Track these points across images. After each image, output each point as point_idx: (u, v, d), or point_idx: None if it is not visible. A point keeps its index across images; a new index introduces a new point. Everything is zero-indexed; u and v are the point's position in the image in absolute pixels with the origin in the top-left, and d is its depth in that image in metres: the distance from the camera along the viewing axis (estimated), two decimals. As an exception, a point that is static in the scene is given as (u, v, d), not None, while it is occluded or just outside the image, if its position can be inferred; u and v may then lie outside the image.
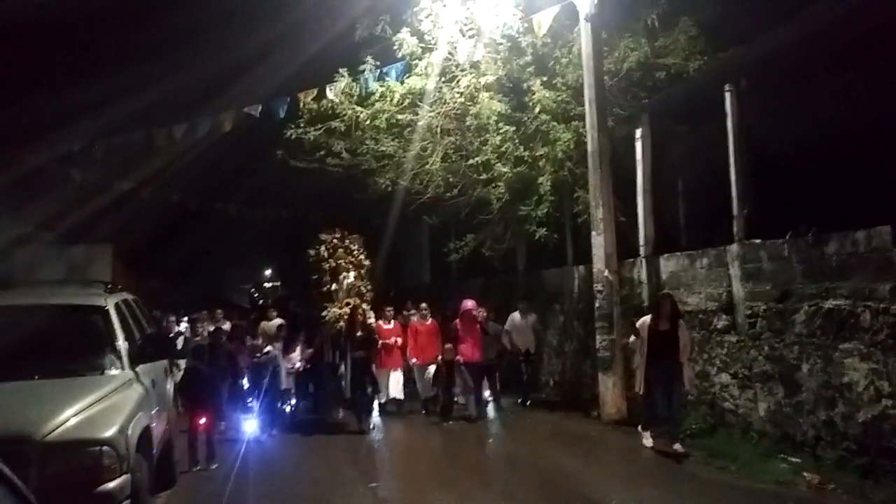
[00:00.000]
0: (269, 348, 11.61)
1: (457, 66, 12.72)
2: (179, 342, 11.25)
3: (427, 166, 13.40)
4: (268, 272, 41.10)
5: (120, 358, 6.16)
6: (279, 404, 11.63)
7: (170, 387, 7.85)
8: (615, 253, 11.24)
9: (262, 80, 14.51)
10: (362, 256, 13.35)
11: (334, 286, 12.93)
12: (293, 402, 12.29)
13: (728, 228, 9.72)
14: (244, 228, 24.96)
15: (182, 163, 16.09)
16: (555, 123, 12.23)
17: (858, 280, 7.62)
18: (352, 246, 13.25)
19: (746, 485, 7.66)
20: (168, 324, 13.10)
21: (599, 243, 11.21)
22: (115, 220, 16.50)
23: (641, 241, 11.53)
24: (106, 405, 5.31)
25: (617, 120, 11.82)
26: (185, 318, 13.38)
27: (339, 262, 13.01)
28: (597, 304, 11.28)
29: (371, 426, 11.47)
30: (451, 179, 13.55)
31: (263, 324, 13.33)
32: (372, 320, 12.58)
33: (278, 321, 12.98)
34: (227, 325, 13.23)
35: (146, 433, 5.64)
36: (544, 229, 12.95)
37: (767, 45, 9.61)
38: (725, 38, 11.02)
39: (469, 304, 12.37)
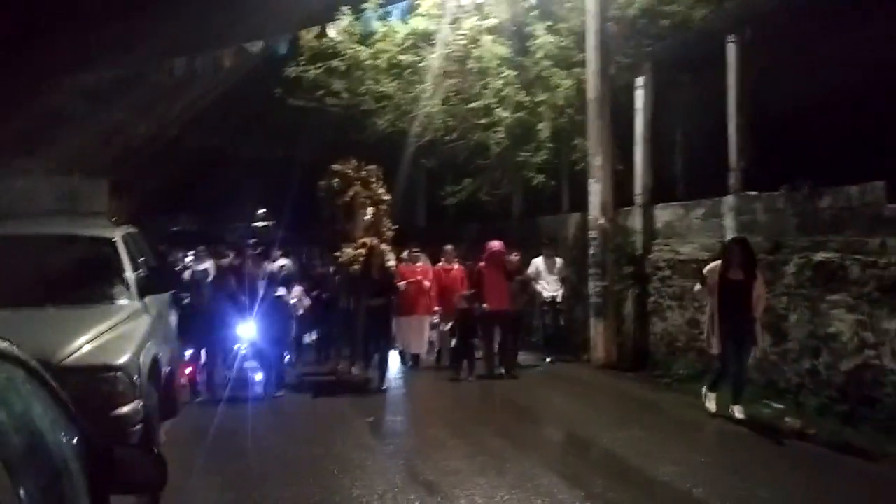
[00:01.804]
0: (281, 291, 10.31)
1: (460, 7, 12.64)
2: (186, 275, 11.08)
3: (427, 109, 13.40)
4: (261, 211, 41.00)
5: (129, 288, 6.30)
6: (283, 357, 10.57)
7: (174, 319, 8.01)
8: (611, 201, 11.37)
9: (263, 16, 14.35)
10: (381, 190, 11.88)
11: (349, 224, 11.57)
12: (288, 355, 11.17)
13: (724, 180, 9.84)
14: (240, 166, 24.93)
15: (180, 99, 16.02)
16: (556, 69, 12.25)
17: (850, 234, 7.80)
18: (370, 178, 11.82)
19: (732, 428, 7.91)
20: (174, 258, 12.90)
21: (596, 191, 11.33)
22: (111, 154, 16.48)
23: (638, 190, 11.64)
24: (118, 333, 5.47)
25: (619, 68, 11.81)
26: (190, 254, 13.16)
27: (355, 196, 11.58)
28: (591, 252, 11.45)
29: (384, 383, 10.16)
30: (450, 123, 13.58)
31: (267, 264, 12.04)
32: (392, 262, 11.24)
33: (282, 261, 11.99)
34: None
35: (155, 362, 5.81)
36: (542, 176, 13.06)
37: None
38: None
39: (496, 245, 10.99)
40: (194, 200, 25.18)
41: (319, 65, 13.29)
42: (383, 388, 10.02)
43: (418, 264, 11.73)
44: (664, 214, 11.11)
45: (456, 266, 11.79)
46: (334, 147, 14.63)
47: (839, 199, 7.99)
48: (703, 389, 8.42)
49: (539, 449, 7.45)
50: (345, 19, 12.88)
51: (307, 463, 6.83)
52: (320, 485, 6.21)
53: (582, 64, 11.68)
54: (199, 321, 9.37)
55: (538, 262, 12.08)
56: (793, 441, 7.35)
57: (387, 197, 11.94)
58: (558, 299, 12.06)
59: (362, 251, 10.93)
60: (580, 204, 12.58)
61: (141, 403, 5.14)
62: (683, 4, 11.51)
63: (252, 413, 8.86)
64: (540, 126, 12.42)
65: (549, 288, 12.00)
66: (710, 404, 8.25)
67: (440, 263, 11.88)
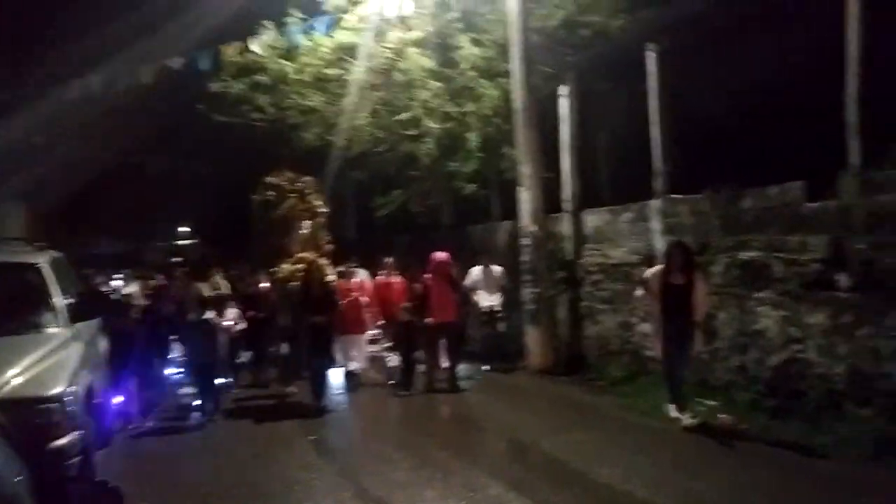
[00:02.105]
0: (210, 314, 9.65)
1: (385, 20, 12.65)
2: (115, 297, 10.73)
3: (355, 121, 13.37)
4: (185, 229, 40.13)
5: (58, 315, 6.10)
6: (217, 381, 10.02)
7: (104, 345, 7.78)
8: (541, 208, 11.52)
9: (183, 32, 14.08)
10: (318, 202, 11.48)
11: (285, 239, 11.13)
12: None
13: (650, 185, 10.10)
14: (164, 184, 24.36)
15: (99, 117, 15.56)
16: (482, 80, 12.38)
17: (771, 233, 8.10)
18: (306, 190, 11.40)
19: (667, 427, 8.11)
20: (100, 282, 12.47)
21: (526, 199, 11.47)
22: (27, 176, 15.90)
23: (567, 196, 11.84)
24: (50, 363, 5.29)
25: (543, 77, 12.01)
26: (117, 276, 12.72)
27: (290, 209, 11.17)
28: (523, 259, 11.58)
29: (325, 402, 9.80)
30: (378, 135, 13.59)
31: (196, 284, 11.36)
32: (332, 277, 10.65)
33: (215, 280, 11.22)
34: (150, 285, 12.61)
35: (90, 391, 5.64)
36: (472, 185, 13.18)
37: (688, 6, 9.93)
38: (647, -3, 11.34)
39: (441, 255, 10.79)
40: (117, 221, 24.46)
41: (243, 80, 13.14)
42: (324, 406, 9.68)
43: (354, 280, 11.34)
44: (593, 220, 11.34)
45: (397, 279, 11.49)
46: (261, 162, 14.44)
47: (760, 200, 8.30)
48: (670, 408, 8.19)
49: (483, 458, 7.49)
50: (267, 34, 12.75)
51: (249, 486, 6.72)
52: (265, 508, 6.12)
53: (507, 74, 11.83)
54: (129, 346, 9.10)
55: (476, 272, 11.97)
56: (727, 437, 7.58)
57: (324, 209, 11.55)
58: (496, 308, 11.92)
59: (300, 267, 10.51)
60: (510, 212, 12.72)
61: (78, 434, 4.97)
62: (602, 15, 11.81)
63: (188, 439, 8.65)
64: (468, 136, 12.53)
65: (488, 298, 11.88)
66: (687, 420, 7.93)
67: (380, 276, 11.63)
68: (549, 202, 11.75)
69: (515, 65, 11.35)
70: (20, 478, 2.20)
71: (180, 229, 39.68)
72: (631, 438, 7.77)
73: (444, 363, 10.79)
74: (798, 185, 7.83)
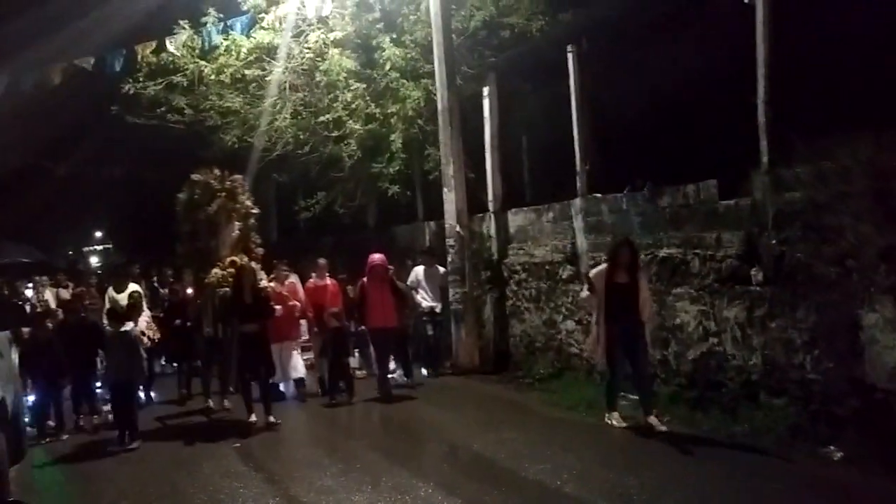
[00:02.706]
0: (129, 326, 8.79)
1: (305, 20, 12.53)
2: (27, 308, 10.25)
3: (276, 123, 13.20)
4: (98, 234, 38.86)
5: (-35, 329, 5.82)
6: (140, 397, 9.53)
7: (15, 357, 7.45)
8: (466, 208, 11.60)
9: (95, 31, 13.62)
10: (249, 202, 10.74)
11: (213, 241, 10.32)
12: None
13: (572, 184, 10.27)
14: (76, 189, 23.50)
15: (4, 118, 14.90)
16: (405, 81, 12.39)
17: (688, 229, 8.33)
18: (235, 188, 10.59)
19: (594, 422, 8.26)
20: (17, 290, 11.89)
21: (451, 199, 11.53)
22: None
23: (490, 196, 11.94)
24: (-42, 378, 5.04)
25: (465, 78, 12.11)
26: (30, 285, 12.15)
27: (219, 209, 10.30)
28: (449, 259, 11.64)
29: (270, 416, 9.02)
30: (301, 136, 13.45)
31: (111, 292, 10.76)
32: (264, 282, 10.08)
33: (132, 288, 10.75)
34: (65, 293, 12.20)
35: (2, 405, 5.40)
36: (396, 186, 13.16)
37: (606, 9, 10.15)
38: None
39: (377, 258, 10.36)
40: (24, 227, 23.48)
41: (159, 80, 12.80)
42: (273, 421, 8.92)
43: (287, 282, 10.73)
44: (517, 219, 11.46)
45: (329, 281, 11.00)
46: (179, 164, 14.07)
47: (677, 198, 8.52)
48: (606, 416, 8.03)
49: (412, 459, 7.46)
50: (184, 34, 12.45)
51: (171, 497, 6.55)
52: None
53: (430, 75, 11.88)
54: (41, 357, 8.72)
55: (418, 271, 11.68)
56: (650, 430, 7.76)
57: (255, 210, 10.87)
58: (437, 309, 11.62)
59: (230, 271, 9.80)
60: (435, 212, 12.75)
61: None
62: (521, 17, 11.97)
63: (108, 452, 8.35)
64: (392, 137, 12.52)
65: (430, 299, 11.57)
66: (615, 421, 7.93)
67: (311, 279, 11.06)
68: (474, 202, 11.85)
69: (438, 66, 11.41)
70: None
71: (96, 234, 38.46)
72: (558, 435, 7.86)
73: (375, 369, 10.64)
74: (713, 183, 8.07)
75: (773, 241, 7.31)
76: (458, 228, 11.46)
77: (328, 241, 16.54)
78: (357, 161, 13.19)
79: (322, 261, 11.23)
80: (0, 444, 5.13)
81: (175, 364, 11.43)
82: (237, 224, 10.47)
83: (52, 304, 10.30)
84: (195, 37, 12.49)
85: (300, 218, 15.35)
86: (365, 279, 10.21)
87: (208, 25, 12.36)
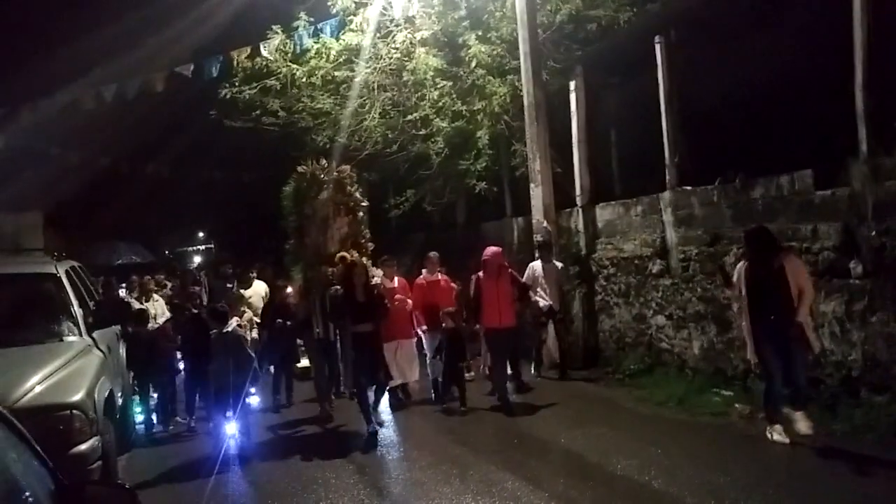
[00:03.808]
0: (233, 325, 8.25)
1: (392, 21, 12.72)
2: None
3: (365, 123, 13.46)
4: (200, 234, 40.43)
5: (77, 324, 6.22)
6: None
7: (122, 352, 7.88)
8: (553, 203, 11.56)
9: (193, 39, 14.21)
10: (357, 195, 10.03)
11: (321, 237, 9.65)
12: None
13: (660, 177, 10.10)
14: (178, 191, 24.56)
15: (113, 125, 15.73)
16: (491, 77, 12.43)
17: (783, 221, 8.08)
18: (343, 180, 9.92)
19: (684, 418, 8.16)
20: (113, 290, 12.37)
21: (538, 195, 11.51)
22: (43, 186, 16.13)
23: (578, 191, 11.86)
24: (70, 371, 5.40)
25: (551, 73, 12.06)
26: (123, 285, 12.66)
27: (327, 202, 9.67)
28: (536, 255, 11.62)
29: (376, 426, 8.38)
30: (389, 135, 13.67)
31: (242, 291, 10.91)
32: (377, 279, 9.31)
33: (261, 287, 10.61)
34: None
35: (111, 397, 5.74)
36: (484, 183, 13.22)
37: (694, -2, 9.96)
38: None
39: (492, 250, 9.49)
40: (135, 229, 24.71)
41: (254, 85, 13.24)
42: (375, 430, 8.25)
43: (397, 279, 9.96)
44: (605, 213, 11.35)
45: (441, 276, 10.16)
46: (274, 166, 14.53)
47: (770, 189, 8.28)
48: (767, 429, 7.13)
49: (499, 453, 7.48)
50: (276, 38, 12.84)
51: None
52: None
53: (516, 71, 11.88)
54: (147, 354, 9.06)
55: (536, 267, 10.82)
56: (744, 426, 7.59)
57: (364, 203, 10.18)
58: (556, 308, 10.76)
59: (339, 268, 9.13)
60: (523, 208, 12.75)
61: (98, 440, 5.07)
62: (608, 9, 11.83)
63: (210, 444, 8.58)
64: (478, 134, 12.59)
65: (546, 297, 10.69)
66: (778, 435, 6.99)
67: (423, 275, 10.17)
68: (561, 197, 11.79)
69: (524, 61, 11.40)
70: (45, 483, 2.27)
71: (199, 234, 40.01)
72: (648, 430, 7.78)
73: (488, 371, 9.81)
74: (808, 174, 7.81)
75: (873, 233, 7.04)
76: (545, 224, 11.42)
77: (418, 238, 16.77)
78: (444, 158, 13.32)
79: (433, 254, 10.35)
80: (109, 434, 5.45)
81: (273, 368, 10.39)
82: (346, 218, 9.82)
83: (157, 310, 10.51)
84: (287, 41, 12.85)
85: (390, 216, 15.58)
86: (480, 274, 9.39)
87: (300, 29, 12.70)
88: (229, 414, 7.67)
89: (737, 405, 8.17)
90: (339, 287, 8.81)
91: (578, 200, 11.85)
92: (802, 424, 6.78)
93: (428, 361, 9.95)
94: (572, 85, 11.90)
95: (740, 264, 7.39)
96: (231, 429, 7.73)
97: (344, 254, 9.39)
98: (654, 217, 10.27)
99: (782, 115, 8.69)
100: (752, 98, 9.03)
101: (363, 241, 9.90)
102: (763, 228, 7.30)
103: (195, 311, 9.18)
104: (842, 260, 7.35)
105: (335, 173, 9.93)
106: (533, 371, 10.97)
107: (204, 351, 8.06)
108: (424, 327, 9.84)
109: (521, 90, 11.68)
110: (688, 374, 9.53)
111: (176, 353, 9.36)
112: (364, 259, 9.46)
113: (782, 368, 6.90)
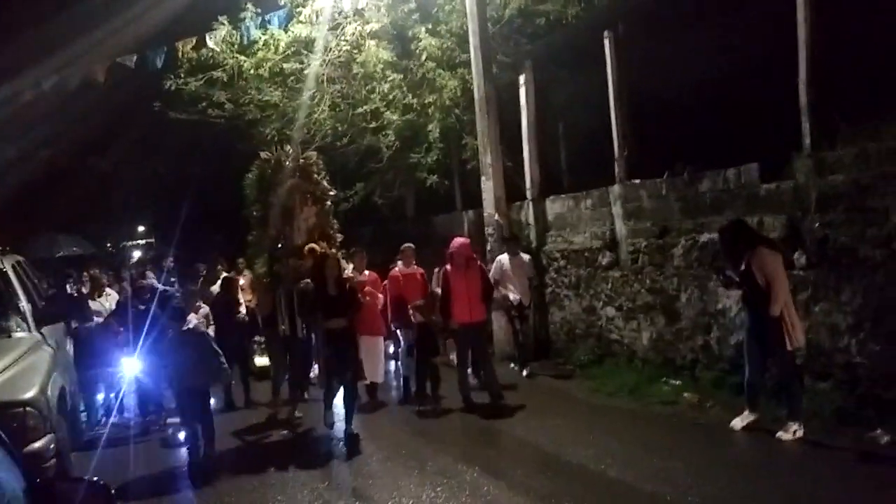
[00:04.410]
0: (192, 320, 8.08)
1: (341, 13, 12.61)
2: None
3: (314, 115, 13.33)
4: (141, 228, 39.54)
5: (25, 320, 6.05)
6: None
7: (70, 348, 7.68)
8: (504, 196, 11.64)
9: (136, 29, 13.87)
10: (325, 183, 9.48)
11: (286, 227, 9.11)
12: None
13: (610, 170, 10.26)
14: (120, 184, 23.99)
15: (53, 117, 15.27)
16: (441, 71, 12.43)
17: (730, 214, 8.25)
18: (310, 168, 9.34)
19: (636, 408, 8.32)
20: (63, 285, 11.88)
21: (489, 188, 11.57)
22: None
23: (528, 184, 11.96)
24: (21, 367, 5.27)
25: (501, 66, 12.11)
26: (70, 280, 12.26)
27: (292, 190, 9.11)
28: (488, 248, 11.68)
29: (352, 426, 8.00)
30: (339, 128, 13.56)
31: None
32: (349, 272, 8.98)
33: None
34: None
35: (63, 394, 5.61)
36: (434, 176, 13.24)
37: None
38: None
39: (459, 241, 9.10)
40: (77, 222, 24.04)
41: (199, 76, 13.01)
42: (352, 431, 7.93)
43: (365, 272, 9.48)
44: (555, 207, 11.47)
45: (417, 270, 9.68)
46: (221, 159, 14.30)
47: (718, 182, 8.48)
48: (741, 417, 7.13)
49: (456, 444, 7.56)
50: (222, 29, 12.62)
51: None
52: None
53: (466, 64, 11.91)
54: (94, 348, 8.82)
55: (503, 260, 10.43)
56: (694, 414, 7.78)
57: (332, 192, 9.70)
58: (525, 303, 10.50)
59: (309, 261, 8.68)
60: (473, 201, 12.81)
61: (53, 438, 4.95)
62: (557, 3, 11.92)
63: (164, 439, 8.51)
64: (429, 127, 12.60)
65: (516, 290, 10.36)
66: (737, 421, 7.12)
67: (397, 267, 9.70)
68: (512, 190, 11.88)
69: (474, 54, 11.44)
70: (16, 479, 2.22)
71: (139, 229, 39.12)
72: (601, 420, 7.93)
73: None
74: (754, 167, 8.01)
75: (817, 225, 7.26)
76: (496, 217, 11.50)
77: (367, 230, 16.70)
78: (395, 151, 13.30)
79: (409, 246, 9.86)
80: (62, 431, 5.33)
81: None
82: (313, 208, 9.25)
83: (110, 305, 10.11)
84: (234, 32, 12.65)
85: (339, 209, 15.47)
86: (448, 266, 8.93)
87: (246, 20, 12.51)
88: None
89: (686, 394, 8.37)
90: (308, 281, 8.36)
91: (529, 194, 11.95)
92: (788, 432, 6.71)
93: (401, 359, 9.73)
94: (522, 79, 11.99)
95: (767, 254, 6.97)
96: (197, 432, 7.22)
97: (314, 245, 8.89)
98: (603, 210, 10.42)
99: (730, 109, 8.89)
100: (700, 92, 9.21)
101: (331, 232, 9.37)
102: (737, 222, 7.30)
103: (143, 307, 8.72)
104: (786, 251, 7.56)
105: (301, 160, 9.40)
106: (513, 366, 10.66)
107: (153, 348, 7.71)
108: (398, 323, 9.52)
109: (471, 84, 11.72)
110: (637, 365, 9.71)
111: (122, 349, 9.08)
112: (334, 251, 8.95)
113: (759, 364, 7.04)
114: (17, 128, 15.95)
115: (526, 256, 10.75)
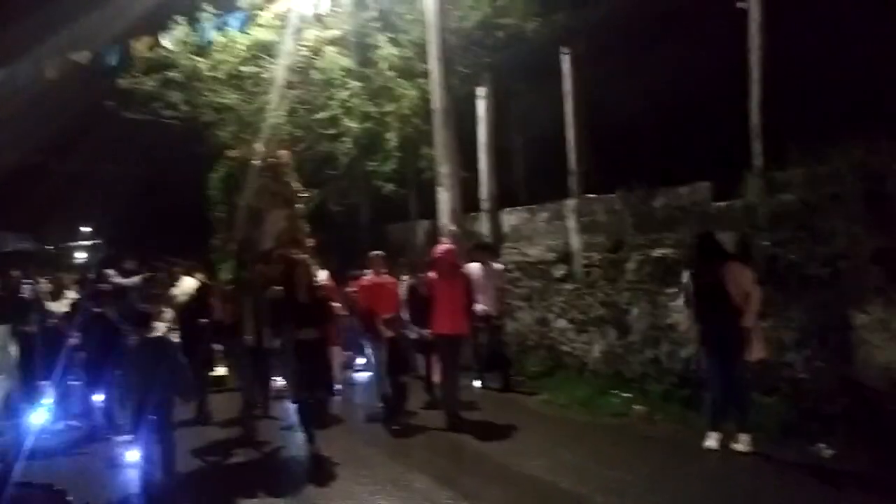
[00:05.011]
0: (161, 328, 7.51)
1: (301, 18, 12.54)
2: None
3: (272, 120, 13.19)
4: (86, 229, 38.62)
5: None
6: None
7: (13, 351, 7.44)
8: (460, 208, 11.66)
9: (90, 25, 13.59)
10: (296, 183, 8.86)
11: (255, 231, 8.46)
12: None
13: (566, 184, 10.38)
14: (67, 183, 23.41)
15: (2, 116, 14.85)
16: (401, 80, 12.44)
17: (682, 231, 8.45)
18: (281, 166, 8.69)
19: (585, 419, 8.41)
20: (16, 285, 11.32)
21: (445, 199, 11.58)
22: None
23: (484, 196, 12.04)
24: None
25: (461, 78, 12.14)
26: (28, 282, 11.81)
27: (261, 191, 8.48)
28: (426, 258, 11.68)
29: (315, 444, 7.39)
30: (297, 134, 13.45)
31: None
32: (321, 279, 8.41)
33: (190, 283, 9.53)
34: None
35: (7, 398, 5.45)
36: (391, 185, 13.22)
37: (601, 10, 10.25)
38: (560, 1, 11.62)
39: (444, 248, 8.64)
40: (21, 220, 23.37)
41: (154, 76, 12.80)
42: (318, 451, 7.35)
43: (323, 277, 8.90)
44: (511, 219, 11.56)
45: (388, 278, 9.19)
46: (176, 162, 14.05)
47: (671, 199, 8.66)
48: (713, 438, 6.99)
49: (405, 453, 7.53)
50: (179, 29, 12.46)
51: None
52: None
53: (425, 74, 11.92)
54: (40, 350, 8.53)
55: (473, 269, 9.74)
56: (644, 426, 7.89)
57: (304, 193, 9.11)
58: (494, 314, 9.94)
59: (277, 267, 8.11)
60: (429, 211, 12.82)
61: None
62: (516, 17, 12.02)
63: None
64: (387, 136, 12.59)
65: (484, 301, 9.70)
66: (711, 441, 6.95)
67: (367, 275, 9.20)
68: (468, 202, 11.91)
69: (433, 65, 11.45)
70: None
71: (82, 230, 38.21)
72: (553, 431, 7.97)
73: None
74: (706, 186, 8.21)
75: (766, 243, 7.45)
76: (451, 227, 11.52)
77: (320, 238, 16.54)
78: (352, 159, 13.25)
79: (377, 253, 9.35)
80: (7, 436, 5.18)
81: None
82: (283, 210, 8.58)
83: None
84: (191, 32, 12.48)
85: (293, 215, 15.35)
86: (431, 273, 8.44)
87: (204, 21, 12.36)
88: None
89: (635, 406, 8.47)
90: (279, 288, 7.78)
91: (484, 205, 12.01)
92: (742, 443, 6.78)
93: (379, 376, 8.94)
94: (481, 91, 12.07)
95: (686, 273, 7.17)
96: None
97: (282, 251, 8.28)
98: (558, 223, 10.54)
99: (683, 128, 9.09)
100: (655, 110, 9.42)
101: (302, 236, 8.70)
102: (708, 235, 7.15)
103: (98, 310, 8.02)
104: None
105: (270, 159, 8.71)
106: (474, 382, 10.09)
107: (107, 355, 6.86)
108: (366, 336, 9.06)
109: (430, 94, 11.74)
110: (588, 377, 9.81)
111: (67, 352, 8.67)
112: (305, 257, 8.20)
113: (723, 379, 6.87)
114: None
115: (499, 266, 10.36)
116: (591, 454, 7.06)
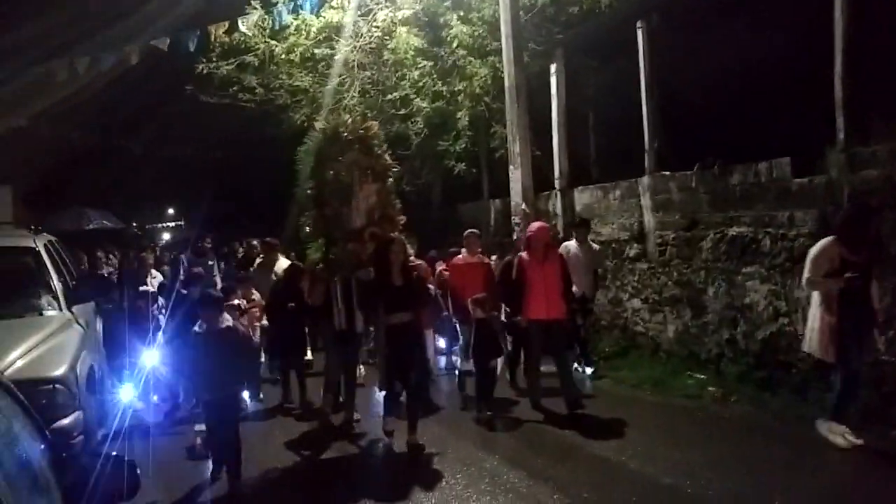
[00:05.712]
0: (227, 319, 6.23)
1: (373, -1, 12.65)
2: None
3: (344, 101, 13.36)
4: (170, 211, 39.92)
5: (56, 298, 6.17)
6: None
7: (100, 327, 7.79)
8: (532, 186, 11.59)
9: (169, 12, 13.97)
10: (387, 157, 8.05)
11: (344, 207, 7.66)
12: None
13: (639, 161, 10.19)
14: (150, 166, 24.25)
15: (85, 98, 15.46)
16: (472, 59, 12.41)
17: (760, 208, 8.20)
18: (370, 139, 7.89)
19: (658, 400, 8.29)
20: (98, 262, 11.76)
21: (517, 177, 11.52)
22: (12, 159, 15.81)
23: (556, 174, 11.93)
24: (51, 345, 5.37)
25: (533, 55, 12.05)
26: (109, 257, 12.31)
27: (351, 166, 7.68)
28: (515, 237, 11.64)
29: (415, 435, 7.00)
30: (368, 114, 13.56)
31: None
32: (417, 261, 8.06)
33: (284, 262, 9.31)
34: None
35: (91, 372, 5.71)
36: (462, 164, 13.22)
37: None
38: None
39: (539, 225, 8.22)
40: (105, 202, 24.36)
41: (231, 60, 13.10)
42: (416, 441, 6.94)
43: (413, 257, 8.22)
44: (583, 197, 11.43)
45: (483, 258, 8.85)
46: (250, 144, 14.38)
47: (748, 176, 8.39)
48: (824, 424, 6.44)
49: (476, 433, 7.55)
50: (255, 14, 12.68)
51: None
52: None
53: (497, 52, 11.86)
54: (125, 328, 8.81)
55: (571, 247, 9.44)
56: (717, 408, 7.73)
57: (395, 167, 8.33)
58: (588, 296, 9.56)
59: (366, 247, 7.53)
60: (501, 190, 12.79)
61: (81, 415, 5.06)
62: (590, -8, 11.83)
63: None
64: (458, 115, 12.59)
65: (580, 282, 9.13)
66: (838, 438, 6.27)
67: (461, 255, 8.92)
68: (540, 180, 11.83)
69: (505, 43, 11.36)
70: (45, 452, 2.28)
71: (168, 211, 39.52)
72: (626, 412, 7.86)
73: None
74: (786, 161, 7.92)
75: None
76: (523, 206, 11.45)
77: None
78: (423, 139, 13.31)
79: (473, 231, 9.00)
80: (90, 409, 5.44)
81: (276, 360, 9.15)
82: (374, 185, 7.81)
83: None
84: (266, 17, 12.70)
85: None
86: (523, 254, 8.03)
87: (279, 5, 12.56)
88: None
89: (710, 388, 8.32)
90: (371, 269, 7.31)
91: (557, 184, 11.91)
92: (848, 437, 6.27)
93: (460, 358, 8.67)
94: (553, 68, 11.93)
95: (821, 245, 6.35)
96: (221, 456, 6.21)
97: (374, 229, 7.66)
98: (631, 201, 10.36)
99: (762, 102, 8.80)
100: (733, 84, 9.13)
101: (393, 213, 7.92)
102: (866, 206, 6.43)
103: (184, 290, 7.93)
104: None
105: (360, 131, 7.91)
106: (581, 369, 9.52)
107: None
108: (457, 317, 8.58)
109: (501, 72, 11.66)
110: (662, 357, 9.67)
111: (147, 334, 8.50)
112: (400, 235, 7.59)
113: (859, 364, 6.29)
114: (52, 108, 16.18)
115: (595, 246, 9.96)
116: (662, 435, 6.98)
